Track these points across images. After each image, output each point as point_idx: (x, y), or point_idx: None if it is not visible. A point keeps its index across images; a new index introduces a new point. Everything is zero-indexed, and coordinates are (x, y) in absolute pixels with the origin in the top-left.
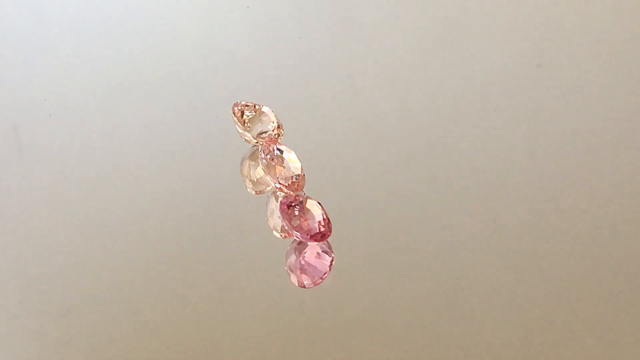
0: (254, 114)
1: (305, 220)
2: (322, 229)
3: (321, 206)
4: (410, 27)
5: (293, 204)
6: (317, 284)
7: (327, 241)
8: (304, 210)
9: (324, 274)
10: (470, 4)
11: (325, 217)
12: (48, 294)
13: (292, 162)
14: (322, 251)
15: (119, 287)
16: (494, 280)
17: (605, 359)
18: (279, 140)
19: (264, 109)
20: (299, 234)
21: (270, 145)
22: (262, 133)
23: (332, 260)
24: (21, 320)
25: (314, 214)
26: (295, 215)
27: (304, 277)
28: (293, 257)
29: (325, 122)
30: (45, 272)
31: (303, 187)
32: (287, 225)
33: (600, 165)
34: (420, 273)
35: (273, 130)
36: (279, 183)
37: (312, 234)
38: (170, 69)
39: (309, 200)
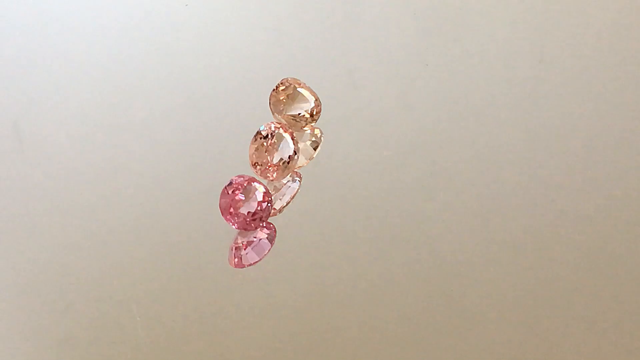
0: (290, 94)
1: (239, 207)
2: (249, 222)
3: (266, 198)
4: (411, 23)
5: (240, 188)
6: (243, 267)
7: (271, 229)
8: (247, 197)
9: (256, 260)
10: (470, 1)
11: (257, 209)
12: (48, 291)
13: (286, 147)
14: (267, 236)
15: (120, 285)
16: (494, 280)
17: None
18: (304, 128)
19: (300, 89)
20: (230, 219)
21: (273, 128)
22: (296, 116)
23: (269, 248)
24: (20, 317)
25: (251, 203)
26: (234, 201)
27: (236, 257)
28: (236, 236)
29: (325, 118)
30: (45, 269)
31: (282, 175)
32: (220, 206)
33: (601, 163)
34: (420, 271)
35: (307, 114)
36: (256, 162)
37: (241, 223)
38: (171, 68)
39: (256, 186)
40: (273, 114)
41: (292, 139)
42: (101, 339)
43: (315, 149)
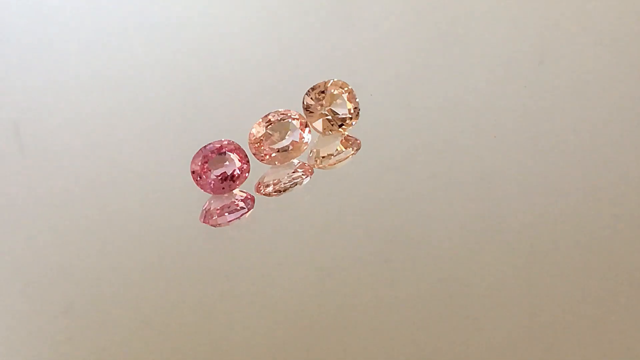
0: (330, 95)
1: (208, 170)
2: (218, 187)
3: (241, 166)
4: (411, 25)
5: (214, 153)
6: (212, 225)
7: (249, 199)
8: (219, 162)
9: (220, 224)
10: (471, 1)
11: (227, 175)
12: (49, 292)
13: (290, 136)
14: (242, 205)
15: (121, 285)
16: (494, 280)
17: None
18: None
19: (345, 95)
20: (198, 181)
21: (284, 114)
22: (323, 116)
23: (239, 216)
24: (21, 318)
25: (223, 168)
26: (203, 164)
27: (205, 217)
28: (210, 199)
29: None
30: (46, 270)
31: (277, 160)
32: (191, 166)
33: (602, 164)
34: (420, 273)
35: (336, 120)
36: (254, 139)
37: (207, 185)
38: (171, 69)
39: (228, 153)
40: (304, 107)
41: (302, 132)
42: (102, 341)
43: (350, 156)
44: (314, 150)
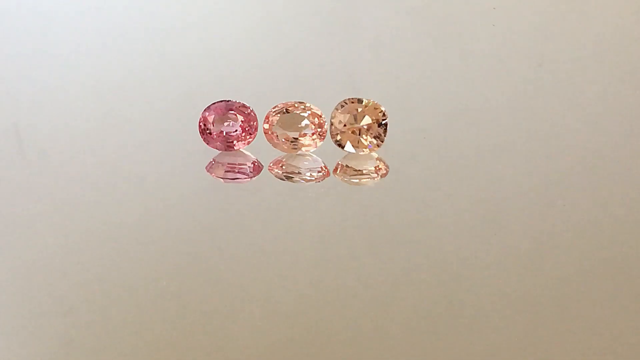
0: (363, 110)
1: (211, 126)
2: (222, 142)
3: (242, 127)
4: (411, 27)
5: (219, 112)
6: (212, 175)
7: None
8: (224, 119)
9: (218, 177)
10: (471, 4)
11: (227, 133)
12: (48, 294)
13: (298, 127)
14: (248, 168)
15: (120, 287)
16: (494, 281)
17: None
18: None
19: (368, 110)
20: (204, 135)
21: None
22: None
23: (237, 179)
24: (21, 321)
25: (226, 125)
26: (207, 120)
27: (209, 167)
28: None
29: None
30: (46, 272)
31: (282, 148)
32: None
33: (600, 165)
34: (420, 273)
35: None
36: (267, 119)
37: (212, 140)
38: (171, 69)
39: (236, 115)
40: (333, 113)
41: (314, 129)
42: (102, 343)
43: (368, 180)
44: (342, 159)
